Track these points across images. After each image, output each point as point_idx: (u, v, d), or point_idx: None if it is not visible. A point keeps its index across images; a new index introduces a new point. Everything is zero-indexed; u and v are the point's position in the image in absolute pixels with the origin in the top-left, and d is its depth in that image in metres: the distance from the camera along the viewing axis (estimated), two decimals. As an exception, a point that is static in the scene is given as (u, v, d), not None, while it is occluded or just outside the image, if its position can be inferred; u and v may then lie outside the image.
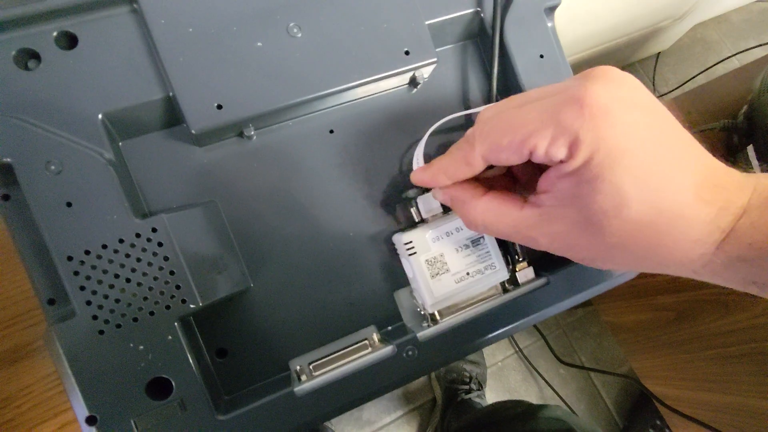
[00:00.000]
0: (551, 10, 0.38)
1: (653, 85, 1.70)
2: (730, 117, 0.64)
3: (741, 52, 1.24)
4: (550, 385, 1.23)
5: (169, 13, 0.29)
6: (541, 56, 0.37)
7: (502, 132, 0.25)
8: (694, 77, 1.33)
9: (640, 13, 1.41)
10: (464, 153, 0.27)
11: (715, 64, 1.25)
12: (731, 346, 0.75)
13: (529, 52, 0.36)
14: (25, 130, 0.28)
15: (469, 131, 0.27)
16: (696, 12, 1.60)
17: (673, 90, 1.49)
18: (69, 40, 0.29)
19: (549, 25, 0.37)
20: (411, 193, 0.34)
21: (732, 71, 0.70)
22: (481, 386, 1.11)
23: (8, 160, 0.27)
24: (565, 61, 0.38)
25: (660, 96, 1.51)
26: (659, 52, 1.80)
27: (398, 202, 0.36)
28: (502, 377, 1.24)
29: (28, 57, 0.29)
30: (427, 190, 0.34)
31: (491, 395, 1.21)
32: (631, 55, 1.74)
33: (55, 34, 0.29)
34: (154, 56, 0.30)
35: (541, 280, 0.36)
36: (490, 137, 0.25)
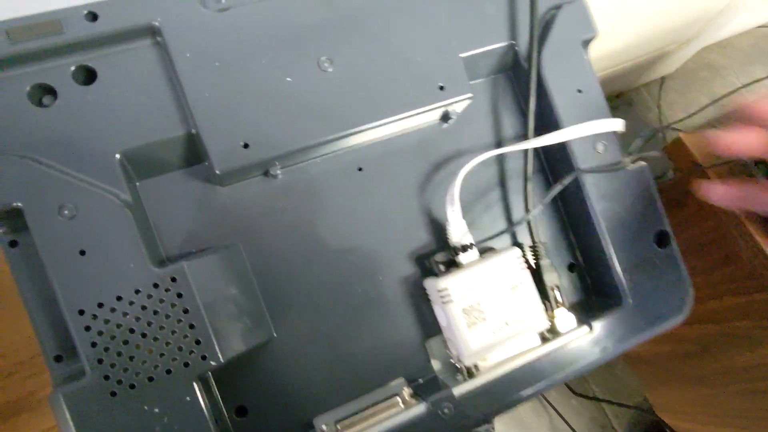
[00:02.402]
0: (587, 42, 0.36)
1: (659, 109, 1.70)
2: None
3: (752, 83, 1.23)
4: (561, 417, 1.19)
5: (194, 46, 0.28)
6: (579, 91, 0.35)
7: None
8: (703, 108, 1.33)
9: (645, 38, 1.41)
10: None
11: (724, 96, 1.25)
12: (759, 381, 0.72)
13: (567, 87, 0.35)
14: (37, 171, 0.25)
15: None
16: (702, 37, 1.61)
17: (682, 119, 1.48)
18: (87, 75, 0.27)
19: (585, 58, 0.36)
20: (453, 237, 0.32)
21: (755, 101, 0.69)
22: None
23: (19, 204, 0.25)
24: (602, 95, 0.36)
25: (668, 126, 1.50)
26: (663, 76, 1.80)
27: (431, 243, 0.34)
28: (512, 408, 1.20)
29: (43, 93, 0.27)
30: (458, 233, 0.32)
31: (501, 427, 1.17)
32: (636, 80, 1.75)
33: (72, 68, 0.27)
34: (177, 91, 0.28)
35: (584, 329, 0.33)
36: None
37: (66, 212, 0.26)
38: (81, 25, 0.26)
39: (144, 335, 0.26)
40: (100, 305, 0.25)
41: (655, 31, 1.45)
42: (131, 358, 0.26)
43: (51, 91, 0.27)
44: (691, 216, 0.69)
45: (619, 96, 1.73)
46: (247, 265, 0.31)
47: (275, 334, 0.31)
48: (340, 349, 0.32)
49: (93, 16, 0.26)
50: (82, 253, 0.25)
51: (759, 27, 1.91)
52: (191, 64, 0.28)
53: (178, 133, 0.28)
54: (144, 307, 0.26)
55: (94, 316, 0.25)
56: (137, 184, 0.29)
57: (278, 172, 0.30)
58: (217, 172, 0.28)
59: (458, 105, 0.33)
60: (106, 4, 0.26)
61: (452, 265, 0.33)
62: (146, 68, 0.28)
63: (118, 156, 0.27)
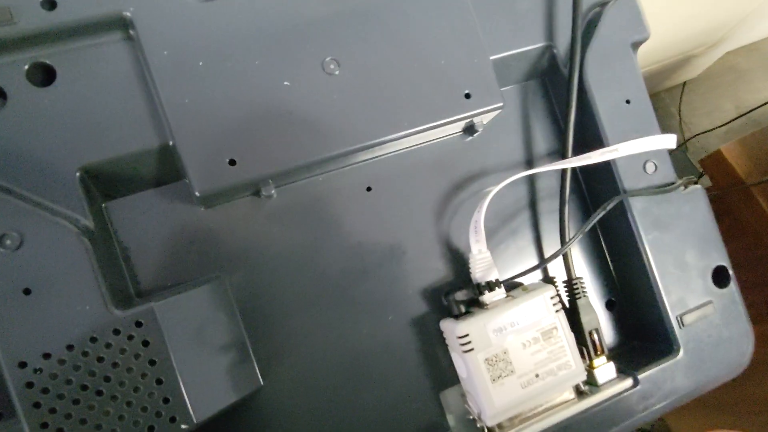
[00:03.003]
0: (638, 45, 0.31)
1: (679, 114, 1.63)
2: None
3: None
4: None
5: (173, 42, 0.23)
6: (628, 102, 0.30)
7: None
8: (733, 119, 1.26)
9: (672, 41, 1.35)
10: None
11: (754, 109, 1.19)
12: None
13: (614, 96, 0.30)
14: (-25, 190, 0.21)
15: None
16: (730, 39, 1.54)
17: (710, 129, 1.42)
18: (44, 74, 0.23)
19: (635, 63, 0.31)
20: (476, 272, 0.27)
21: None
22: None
23: (-50, 231, 0.20)
24: (650, 107, 0.31)
25: (693, 137, 1.44)
26: (685, 81, 1.74)
27: (450, 278, 0.29)
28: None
29: (-11, 94, 0.22)
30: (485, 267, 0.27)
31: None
32: (658, 84, 1.69)
33: (26, 66, 0.22)
34: (152, 95, 0.23)
35: (627, 382, 0.28)
36: None
37: (8, 242, 0.21)
38: (36, 15, 0.22)
39: (100, 393, 0.21)
40: (47, 356, 0.21)
41: (682, 34, 1.38)
42: (82, 422, 0.21)
43: (0, 93, 0.22)
44: (729, 233, 0.64)
45: (642, 101, 1.67)
46: (232, 301, 0.26)
47: (262, 383, 0.26)
48: (339, 401, 0.27)
49: (51, 4, 0.22)
50: (27, 292, 0.21)
51: (788, 30, 1.83)
52: (169, 63, 0.23)
53: (151, 145, 0.23)
54: (101, 359, 0.21)
55: (38, 370, 0.21)
56: (103, 205, 0.25)
57: (272, 192, 0.26)
58: (197, 193, 0.23)
59: (486, 116, 0.28)
60: (66, -10, 0.22)
61: (474, 304, 0.28)
62: (114, 68, 0.23)
63: (78, 173, 0.22)
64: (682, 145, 1.33)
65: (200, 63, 0.23)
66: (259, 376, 0.26)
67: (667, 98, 1.76)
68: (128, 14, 0.23)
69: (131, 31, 0.23)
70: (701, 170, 0.70)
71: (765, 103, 1.22)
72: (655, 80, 1.63)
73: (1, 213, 0.21)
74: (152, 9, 0.23)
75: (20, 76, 0.22)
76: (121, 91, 0.23)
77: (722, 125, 1.34)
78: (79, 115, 0.23)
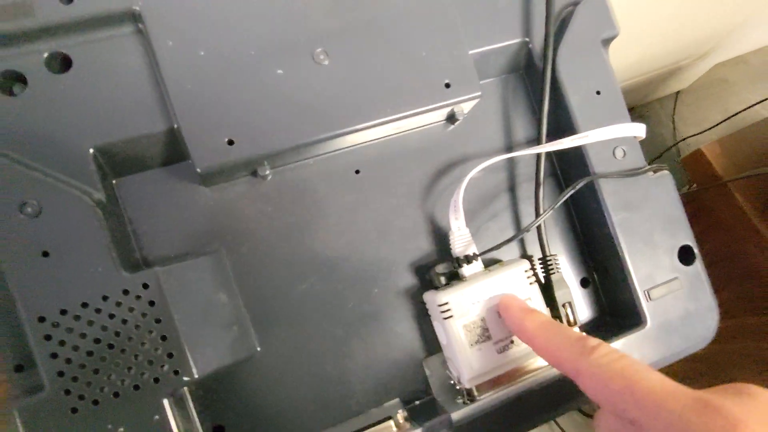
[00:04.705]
0: (608, 41, 0.33)
1: (673, 124, 1.66)
2: (778, 162, 0.59)
3: (765, 99, 1.20)
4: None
5: (178, 33, 0.25)
6: (598, 92, 0.32)
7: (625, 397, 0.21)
8: (718, 123, 1.29)
9: (661, 52, 1.38)
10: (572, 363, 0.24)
11: (740, 112, 1.22)
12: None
13: (585, 88, 0.32)
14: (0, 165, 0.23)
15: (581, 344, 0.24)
16: (717, 51, 1.57)
17: (696, 134, 1.45)
18: (62, 63, 0.25)
19: (605, 58, 0.33)
20: (456, 247, 0.29)
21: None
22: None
23: (-24, 200, 0.23)
24: (621, 98, 0.33)
25: (682, 140, 1.47)
26: (678, 91, 1.77)
27: (433, 254, 0.31)
28: None
29: (14, 80, 0.25)
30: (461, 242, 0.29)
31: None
32: (650, 94, 1.72)
33: (46, 55, 0.25)
34: (158, 83, 0.26)
35: (597, 352, 0.30)
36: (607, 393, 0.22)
37: (29, 209, 0.23)
38: (54, 8, 0.24)
39: (111, 346, 0.23)
40: (63, 312, 0.23)
41: (671, 45, 1.42)
42: (95, 371, 0.23)
43: (21, 79, 0.25)
44: (708, 229, 0.66)
45: (631, 110, 1.70)
46: (230, 272, 0.28)
47: (259, 349, 0.28)
48: (329, 366, 0.29)
49: (68, -1, 0.24)
50: (45, 254, 0.23)
51: (774, 44, 1.86)
52: (174, 53, 0.25)
53: (158, 128, 0.26)
54: (112, 316, 0.24)
55: (56, 324, 0.23)
56: (113, 181, 0.27)
57: (267, 172, 0.28)
58: (198, 170, 0.25)
59: (466, 105, 0.31)
60: (83, -14, 0.24)
61: (454, 277, 0.30)
62: (125, 57, 0.26)
63: (92, 151, 0.25)
64: (670, 147, 1.35)
65: (201, 53, 0.26)
66: (256, 343, 0.28)
67: (659, 108, 1.79)
68: (137, 8, 0.25)
69: (140, 24, 0.26)
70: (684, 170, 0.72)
71: (750, 106, 1.25)
72: (646, 90, 1.66)
73: (21, 184, 0.23)
74: (159, 4, 0.26)
75: (39, 64, 0.25)
76: (131, 78, 0.26)
77: (709, 128, 1.37)
78: (92, 100, 0.25)
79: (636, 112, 1.74)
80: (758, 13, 1.39)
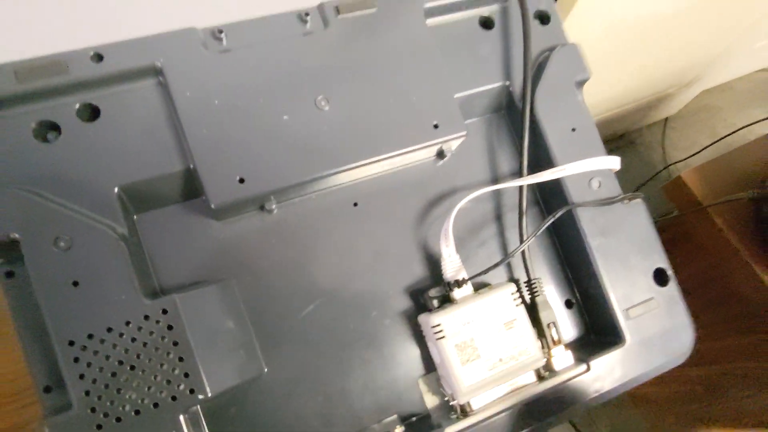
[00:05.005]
0: (581, 83, 0.37)
1: (663, 149, 1.71)
2: (757, 187, 0.62)
3: (752, 123, 1.25)
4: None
5: (195, 85, 0.29)
6: (573, 129, 0.35)
7: None
8: (705, 147, 1.33)
9: (647, 81, 1.43)
10: None
11: (726, 136, 1.26)
12: (768, 424, 0.69)
13: (561, 125, 0.35)
14: (36, 203, 0.26)
15: None
16: (702, 80, 1.63)
17: (684, 159, 1.49)
18: (91, 112, 0.28)
19: (579, 98, 0.37)
20: (447, 272, 0.32)
21: (755, 140, 0.69)
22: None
23: (16, 235, 0.26)
24: (596, 134, 0.36)
25: (673, 164, 1.51)
26: (667, 117, 1.82)
27: (426, 279, 0.34)
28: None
29: (48, 129, 0.28)
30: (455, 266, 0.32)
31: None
32: (640, 120, 1.77)
33: (77, 106, 0.28)
34: (177, 128, 0.29)
35: (581, 367, 0.33)
36: None
37: (62, 244, 0.26)
38: (86, 66, 0.27)
39: (132, 367, 0.26)
40: (90, 336, 0.25)
41: (656, 74, 1.47)
42: (118, 391, 0.25)
43: (55, 128, 0.28)
44: (692, 253, 0.69)
45: (622, 136, 1.75)
46: (239, 298, 0.31)
47: (266, 369, 0.31)
48: (331, 385, 0.32)
49: (99, 57, 0.28)
50: (75, 284, 0.26)
51: (757, 72, 1.94)
52: (191, 102, 0.29)
53: (176, 168, 0.29)
54: (134, 339, 0.26)
55: (84, 348, 0.25)
56: (134, 217, 0.30)
57: (273, 207, 0.31)
58: (213, 206, 0.28)
59: (453, 142, 0.34)
60: (112, 46, 0.28)
61: (446, 300, 0.32)
62: (147, 106, 0.29)
63: (116, 190, 0.28)
64: (658, 172, 1.38)
65: (216, 102, 0.29)
66: (263, 364, 0.31)
67: (648, 134, 1.84)
68: (159, 64, 0.28)
69: (161, 77, 0.29)
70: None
71: (735, 131, 1.29)
72: (636, 117, 1.71)
73: (56, 221, 0.26)
74: (178, 59, 0.29)
75: (71, 114, 0.28)
76: (153, 125, 0.29)
77: (696, 153, 1.40)
78: (118, 144, 0.28)
79: (627, 138, 1.79)
80: (739, 42, 1.45)
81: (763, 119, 1.05)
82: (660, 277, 0.35)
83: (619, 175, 0.37)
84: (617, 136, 1.80)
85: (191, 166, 0.29)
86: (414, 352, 0.33)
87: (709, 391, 0.78)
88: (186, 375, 0.26)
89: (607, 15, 0.91)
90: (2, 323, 0.36)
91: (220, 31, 0.29)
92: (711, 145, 1.37)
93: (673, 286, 0.35)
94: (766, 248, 0.58)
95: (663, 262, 0.36)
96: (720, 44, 1.48)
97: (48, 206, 0.26)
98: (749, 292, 0.61)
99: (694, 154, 1.47)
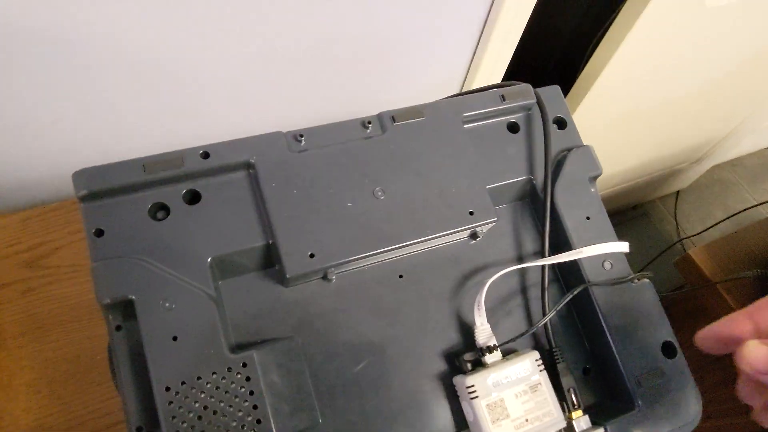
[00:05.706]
0: (594, 178, 0.43)
1: (675, 221, 1.75)
2: (762, 266, 0.66)
3: (765, 202, 1.30)
4: None
5: (279, 177, 0.35)
6: (588, 218, 0.41)
7: None
8: (719, 222, 1.38)
9: (658, 157, 1.51)
10: None
11: (741, 211, 1.31)
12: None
13: (577, 214, 0.41)
14: (148, 271, 0.32)
15: None
16: (713, 156, 1.70)
17: (699, 233, 1.53)
18: (194, 197, 0.35)
19: (593, 191, 0.43)
20: (479, 339, 0.37)
21: (759, 221, 0.74)
22: None
23: (132, 296, 0.31)
24: (608, 222, 0.42)
25: (687, 238, 1.55)
26: (678, 191, 1.88)
27: (461, 343, 0.39)
28: None
29: (159, 209, 0.34)
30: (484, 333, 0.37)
31: None
32: (651, 193, 1.83)
33: (184, 191, 0.35)
34: (261, 211, 0.35)
35: (599, 431, 0.36)
36: None
37: (167, 304, 0.32)
38: (196, 161, 0.34)
39: (215, 412, 0.31)
40: (183, 383, 0.31)
41: (668, 150, 1.55)
42: (204, 432, 0.30)
43: (165, 208, 0.34)
44: (703, 327, 0.72)
45: (635, 208, 1.81)
46: (302, 355, 0.36)
47: (320, 420, 0.35)
48: (377, 438, 0.36)
49: (206, 155, 0.35)
50: (174, 338, 0.31)
51: (767, 148, 2.00)
52: (275, 190, 0.35)
53: (259, 243, 0.35)
54: (218, 387, 0.31)
55: (177, 393, 0.30)
56: (219, 282, 0.36)
57: (334, 276, 0.37)
58: (287, 275, 0.34)
59: (485, 226, 0.40)
60: (217, 146, 0.35)
61: (479, 364, 0.37)
62: (239, 192, 0.35)
63: (209, 260, 0.34)
64: (671, 246, 1.42)
65: (294, 191, 0.36)
66: (319, 415, 0.35)
67: (661, 205, 1.89)
68: (252, 160, 0.35)
69: (251, 170, 0.36)
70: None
71: (750, 207, 1.33)
72: (648, 189, 1.77)
73: (163, 285, 0.32)
74: (267, 157, 0.36)
75: (178, 198, 0.35)
76: (242, 207, 0.35)
77: (711, 227, 1.44)
78: (213, 223, 0.35)
79: (640, 210, 1.84)
80: (750, 121, 1.53)
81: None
82: (668, 350, 0.40)
83: (634, 244, 0.42)
84: (630, 207, 1.85)
85: (270, 242, 0.35)
86: (449, 409, 0.37)
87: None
88: (258, 422, 0.31)
89: (623, 101, 0.99)
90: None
91: (301, 135, 0.36)
92: (725, 220, 1.42)
93: (680, 358, 0.40)
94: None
95: (670, 336, 0.40)
96: (730, 124, 1.56)
97: (157, 273, 0.32)
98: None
99: (707, 228, 1.51)
